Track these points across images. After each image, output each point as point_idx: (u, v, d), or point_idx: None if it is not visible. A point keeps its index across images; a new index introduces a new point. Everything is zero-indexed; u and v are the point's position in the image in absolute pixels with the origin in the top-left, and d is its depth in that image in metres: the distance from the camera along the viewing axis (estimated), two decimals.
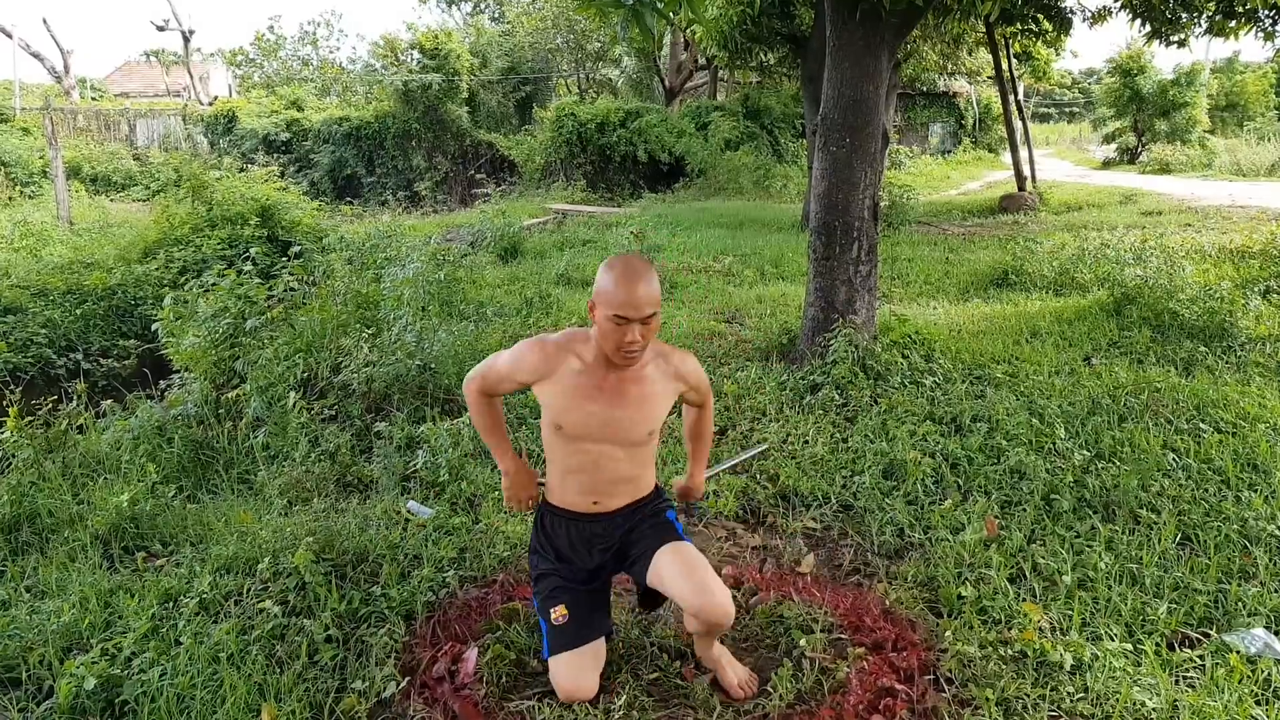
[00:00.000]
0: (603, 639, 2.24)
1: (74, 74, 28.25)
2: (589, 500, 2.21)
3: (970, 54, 17.12)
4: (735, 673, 2.26)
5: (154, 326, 4.98)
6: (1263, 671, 2.23)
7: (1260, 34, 7.65)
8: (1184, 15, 7.67)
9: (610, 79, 28.62)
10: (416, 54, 22.14)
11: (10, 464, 3.72)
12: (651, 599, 2.38)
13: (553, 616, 2.19)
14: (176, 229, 9.54)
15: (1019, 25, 10.83)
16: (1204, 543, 2.89)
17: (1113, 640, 2.35)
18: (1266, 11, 7.18)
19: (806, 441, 3.86)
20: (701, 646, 2.28)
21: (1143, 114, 24.68)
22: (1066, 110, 55.28)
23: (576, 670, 2.15)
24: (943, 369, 4.74)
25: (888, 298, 7.26)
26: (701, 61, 22.47)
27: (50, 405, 4.09)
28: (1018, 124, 14.78)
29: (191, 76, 28.89)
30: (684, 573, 2.11)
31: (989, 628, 2.44)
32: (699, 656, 2.31)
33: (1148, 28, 8.06)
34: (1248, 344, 5.20)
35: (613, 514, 2.24)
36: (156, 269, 8.72)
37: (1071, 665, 2.24)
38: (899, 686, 2.20)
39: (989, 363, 4.93)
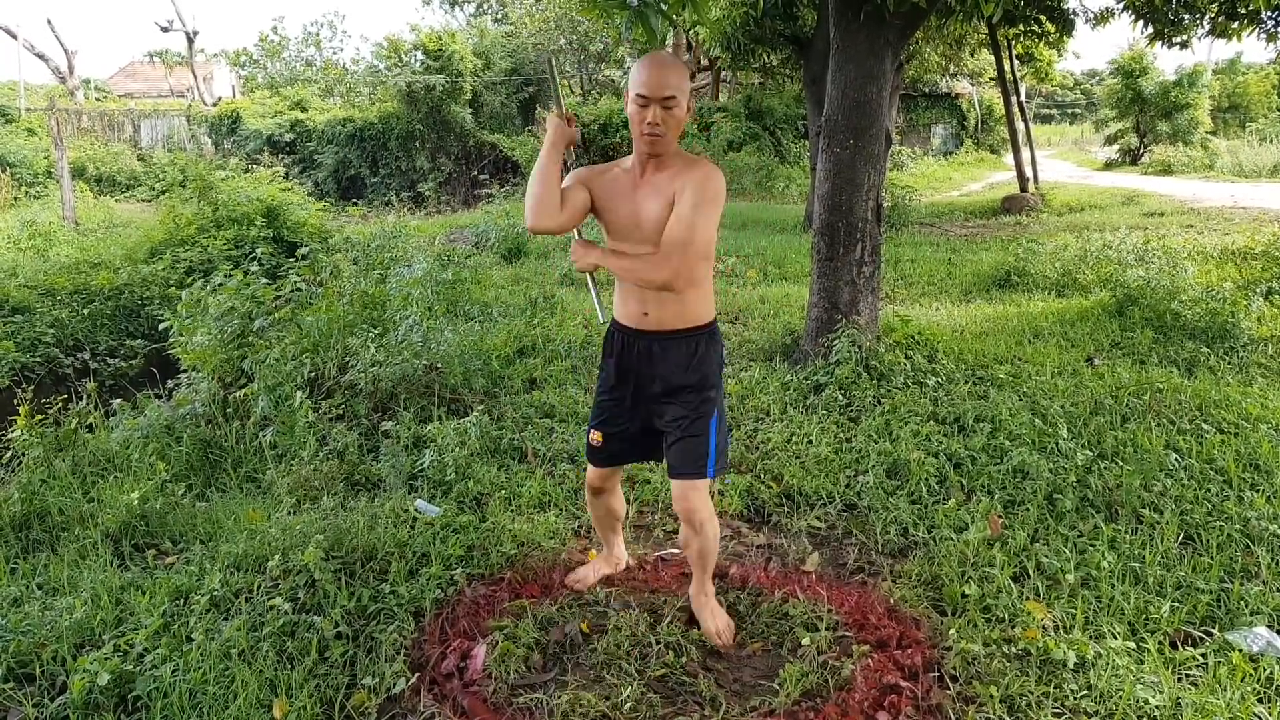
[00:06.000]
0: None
1: (78, 75, 28.36)
2: (640, 311, 2.31)
3: (972, 55, 17.18)
4: (715, 620, 2.46)
5: (161, 326, 5.01)
6: (1265, 670, 2.25)
7: (1263, 35, 7.68)
8: (1186, 16, 7.69)
9: (613, 80, 28.66)
10: (420, 55, 22.18)
11: (21, 462, 3.76)
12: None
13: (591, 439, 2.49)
14: (183, 229, 9.59)
15: (1021, 26, 10.84)
16: (1206, 542, 2.90)
17: (1116, 638, 2.37)
18: (1269, 13, 7.20)
19: (810, 441, 3.88)
20: (695, 588, 2.51)
21: (1145, 115, 24.67)
22: (1068, 111, 55.23)
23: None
24: (946, 369, 4.76)
25: (890, 298, 7.27)
26: (704, 62, 22.48)
27: (60, 404, 4.12)
28: (1020, 125, 14.78)
29: (195, 77, 28.91)
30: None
31: (993, 626, 2.46)
32: (691, 599, 2.52)
33: (1150, 29, 8.08)
34: (1250, 345, 5.22)
35: (662, 334, 2.31)
36: (163, 269, 8.77)
37: (1075, 663, 2.26)
38: (904, 684, 2.22)
39: (992, 363, 4.95)
